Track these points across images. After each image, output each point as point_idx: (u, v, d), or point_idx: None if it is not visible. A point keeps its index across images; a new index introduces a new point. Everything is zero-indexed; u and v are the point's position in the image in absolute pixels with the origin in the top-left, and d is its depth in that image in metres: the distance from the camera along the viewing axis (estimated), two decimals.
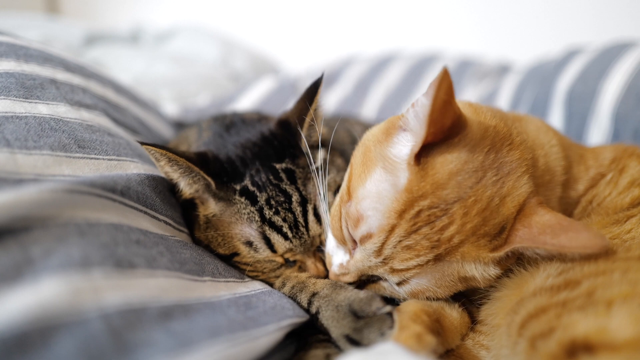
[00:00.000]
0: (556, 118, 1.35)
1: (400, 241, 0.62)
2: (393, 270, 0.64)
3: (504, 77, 1.67)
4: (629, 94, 1.18)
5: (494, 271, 0.63)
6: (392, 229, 0.62)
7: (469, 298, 0.76)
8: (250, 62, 2.59)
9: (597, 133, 1.24)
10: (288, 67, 2.70)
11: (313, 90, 0.82)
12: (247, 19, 2.93)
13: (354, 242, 0.68)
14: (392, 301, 0.71)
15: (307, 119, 0.81)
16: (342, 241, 0.71)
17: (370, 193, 0.65)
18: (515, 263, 0.67)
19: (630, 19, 1.85)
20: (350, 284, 0.72)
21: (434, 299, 0.68)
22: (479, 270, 0.63)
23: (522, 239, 0.60)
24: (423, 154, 0.62)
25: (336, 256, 0.73)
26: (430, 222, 0.60)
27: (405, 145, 0.64)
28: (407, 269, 0.63)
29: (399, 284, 0.66)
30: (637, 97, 1.16)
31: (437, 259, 0.62)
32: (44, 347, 0.43)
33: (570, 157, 0.78)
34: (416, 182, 0.61)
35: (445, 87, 0.55)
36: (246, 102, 1.77)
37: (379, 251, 0.64)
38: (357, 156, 0.72)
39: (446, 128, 0.62)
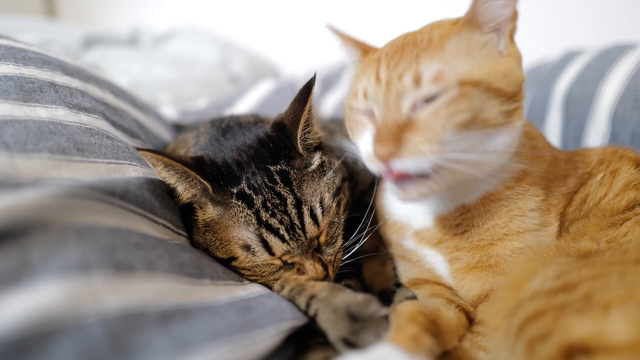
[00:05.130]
0: (554, 120, 1.36)
1: None
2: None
3: None
4: (627, 97, 1.18)
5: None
6: None
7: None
8: (249, 64, 2.59)
9: (595, 135, 1.25)
10: (287, 70, 2.70)
11: (306, 91, 0.82)
12: (246, 22, 2.93)
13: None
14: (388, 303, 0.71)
15: (302, 120, 0.81)
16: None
17: None
18: None
19: (629, 22, 1.85)
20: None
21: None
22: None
23: None
24: None
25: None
26: None
27: None
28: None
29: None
30: (635, 100, 1.16)
31: None
32: (43, 352, 0.43)
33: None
34: None
35: None
36: (245, 105, 1.77)
37: None
38: None
39: None
